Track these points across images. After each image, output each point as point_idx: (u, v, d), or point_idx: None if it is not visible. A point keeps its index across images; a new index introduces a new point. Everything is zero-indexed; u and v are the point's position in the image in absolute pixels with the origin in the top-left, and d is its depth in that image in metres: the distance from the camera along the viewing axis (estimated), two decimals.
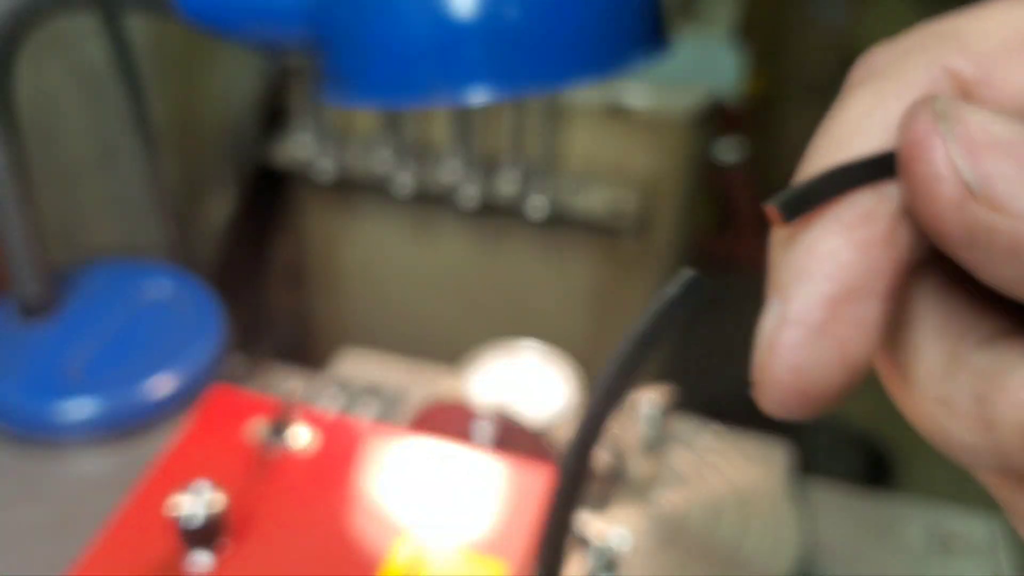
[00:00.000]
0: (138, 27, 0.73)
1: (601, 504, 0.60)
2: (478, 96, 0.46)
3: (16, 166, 0.62)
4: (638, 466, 0.61)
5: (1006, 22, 0.20)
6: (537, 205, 1.11)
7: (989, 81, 0.20)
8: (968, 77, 0.20)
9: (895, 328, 0.20)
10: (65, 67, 0.76)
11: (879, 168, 0.19)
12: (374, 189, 1.17)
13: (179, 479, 0.53)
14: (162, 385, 0.66)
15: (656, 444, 0.62)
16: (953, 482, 1.75)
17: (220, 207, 1.08)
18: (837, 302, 0.19)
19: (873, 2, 2.26)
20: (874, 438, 1.64)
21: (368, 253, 1.26)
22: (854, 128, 0.20)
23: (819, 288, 0.19)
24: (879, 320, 0.19)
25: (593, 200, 1.12)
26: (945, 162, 0.18)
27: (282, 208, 1.25)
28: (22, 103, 0.62)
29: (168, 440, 0.63)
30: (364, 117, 1.16)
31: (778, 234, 0.20)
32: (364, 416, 0.68)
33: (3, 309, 0.71)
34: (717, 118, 1.23)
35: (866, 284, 0.19)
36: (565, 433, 0.61)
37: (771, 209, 0.19)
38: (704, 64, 1.11)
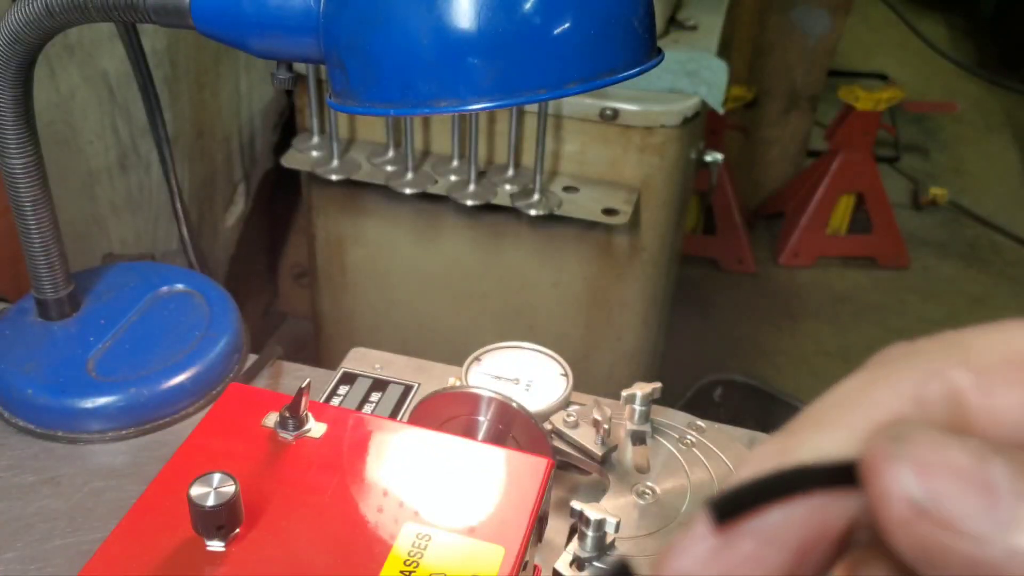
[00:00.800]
0: (154, 35, 0.74)
1: (595, 493, 0.62)
2: (479, 105, 0.48)
3: (34, 170, 0.64)
4: (630, 457, 0.62)
5: (1012, 340, 0.20)
6: (534, 206, 1.13)
7: (985, 396, 0.20)
8: (965, 388, 0.20)
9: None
10: (82, 74, 0.76)
11: (816, 478, 0.19)
12: (380, 191, 1.19)
13: (195, 470, 0.55)
14: (177, 381, 0.68)
15: (646, 436, 0.64)
16: None
17: (232, 209, 1.08)
18: (740, 534, 0.20)
19: (855, 14, 2.27)
20: None
21: (374, 252, 1.27)
22: (827, 418, 0.21)
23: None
24: (776, 571, 0.20)
25: (587, 201, 1.14)
26: (894, 483, 0.18)
27: (292, 210, 1.27)
28: (40, 109, 0.63)
29: (183, 434, 0.64)
30: (371, 123, 1.18)
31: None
32: (371, 412, 0.70)
33: (24, 309, 0.72)
34: (705, 124, 1.25)
35: (779, 535, 0.19)
36: (560, 426, 0.63)
37: (706, 512, 0.20)
38: (693, 73, 1.12)
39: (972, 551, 0.18)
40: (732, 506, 0.19)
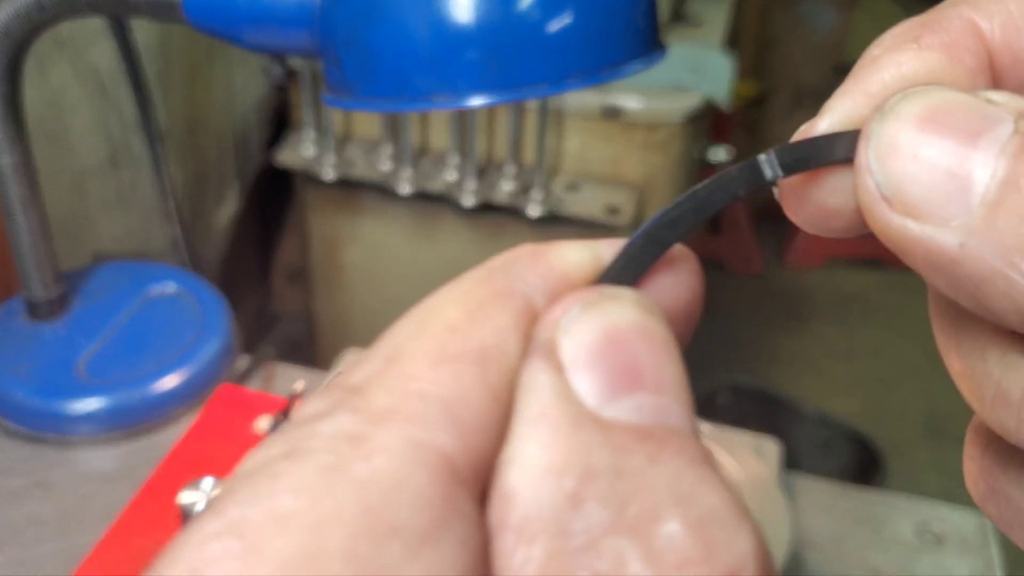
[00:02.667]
0: (145, 30, 0.73)
1: None
2: (477, 100, 0.47)
3: (24, 168, 0.63)
4: None
5: None
6: (535, 205, 1.12)
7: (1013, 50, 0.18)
8: (987, 30, 0.18)
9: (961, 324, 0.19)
10: (72, 70, 0.76)
11: None
12: (376, 190, 1.18)
13: (186, 475, 0.54)
14: (169, 383, 0.67)
15: None
16: (941, 481, 1.75)
17: (225, 208, 1.08)
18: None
19: (863, 8, 2.26)
20: (863, 437, 1.65)
21: (370, 252, 1.26)
22: (852, 81, 0.19)
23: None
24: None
25: (589, 200, 1.13)
26: (863, 164, 0.17)
27: (286, 209, 1.26)
28: (30, 106, 0.62)
29: (175, 437, 0.63)
30: (367, 119, 1.17)
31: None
32: None
33: (13, 309, 0.71)
34: (709, 121, 1.24)
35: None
36: None
37: (766, 159, 0.19)
38: (697, 69, 1.11)
39: (933, 241, 0.16)
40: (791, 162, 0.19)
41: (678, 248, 0.19)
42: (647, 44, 0.50)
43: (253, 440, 0.59)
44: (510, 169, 1.15)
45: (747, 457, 0.63)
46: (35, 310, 0.69)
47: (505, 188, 1.14)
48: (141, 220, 0.85)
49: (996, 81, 0.19)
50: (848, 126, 0.19)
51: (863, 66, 0.19)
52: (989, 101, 0.16)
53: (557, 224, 1.16)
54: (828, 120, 0.19)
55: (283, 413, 0.60)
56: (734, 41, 1.26)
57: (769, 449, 0.66)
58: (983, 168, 0.16)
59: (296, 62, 1.07)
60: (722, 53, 1.15)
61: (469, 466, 0.14)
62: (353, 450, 0.14)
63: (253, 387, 0.72)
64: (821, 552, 0.62)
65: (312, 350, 1.35)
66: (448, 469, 0.14)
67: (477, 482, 0.15)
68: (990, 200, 0.15)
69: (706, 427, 0.65)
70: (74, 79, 0.75)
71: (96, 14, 0.70)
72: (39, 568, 0.58)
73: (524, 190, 1.13)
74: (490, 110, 1.14)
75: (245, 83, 1.05)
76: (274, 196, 1.24)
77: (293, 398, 0.59)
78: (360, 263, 1.27)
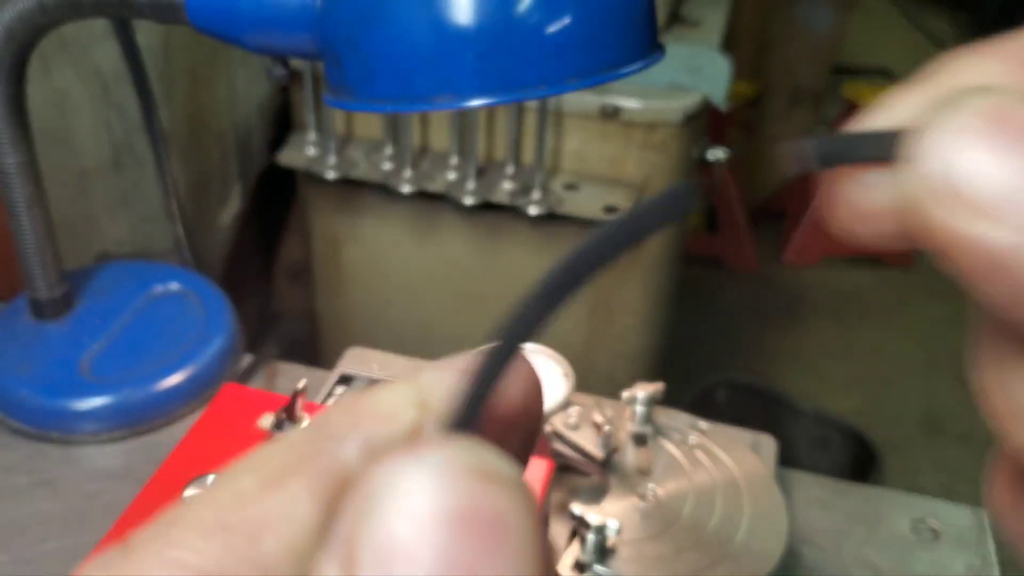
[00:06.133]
0: (148, 31, 0.74)
1: (595, 496, 0.61)
2: (477, 101, 0.47)
3: (28, 168, 0.63)
4: (631, 459, 0.62)
5: None
6: (534, 204, 1.12)
7: None
8: None
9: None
10: (76, 71, 0.76)
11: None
12: (377, 189, 1.18)
13: (190, 472, 0.55)
14: (172, 382, 0.67)
15: (648, 438, 0.63)
16: (938, 478, 1.75)
17: (228, 208, 1.08)
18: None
19: (861, 8, 2.26)
20: (860, 434, 1.65)
21: (372, 251, 1.26)
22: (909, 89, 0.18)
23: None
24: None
25: (588, 200, 1.13)
26: (920, 155, 0.16)
27: (289, 208, 1.26)
28: (33, 106, 0.63)
29: (178, 435, 0.63)
30: (368, 120, 1.17)
31: None
32: None
33: (17, 309, 0.71)
34: (707, 121, 1.24)
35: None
36: (560, 427, 0.62)
37: (805, 151, 0.18)
38: (696, 69, 1.11)
39: (988, 241, 0.15)
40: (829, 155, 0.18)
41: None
42: (645, 45, 0.50)
43: (256, 437, 0.59)
44: (510, 169, 1.15)
45: (744, 454, 0.63)
46: (39, 309, 0.69)
47: (505, 187, 1.14)
48: (144, 220, 0.85)
49: None
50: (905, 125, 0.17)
51: (930, 71, 0.18)
52: None
53: (556, 223, 1.16)
54: (885, 116, 0.18)
55: (285, 411, 0.60)
56: (732, 41, 1.26)
57: (766, 446, 0.67)
58: None
59: (298, 63, 1.07)
60: (720, 54, 1.15)
61: None
62: None
63: (256, 386, 0.72)
64: (818, 548, 0.62)
65: (314, 349, 1.35)
66: None
67: None
68: None
69: (703, 424, 0.65)
70: (78, 80, 0.75)
71: (99, 16, 0.70)
72: (43, 566, 0.58)
73: (524, 189, 1.14)
74: (490, 111, 1.14)
75: (247, 84, 1.05)
76: (276, 196, 1.24)
77: (296, 395, 0.59)
78: (362, 262, 1.27)
